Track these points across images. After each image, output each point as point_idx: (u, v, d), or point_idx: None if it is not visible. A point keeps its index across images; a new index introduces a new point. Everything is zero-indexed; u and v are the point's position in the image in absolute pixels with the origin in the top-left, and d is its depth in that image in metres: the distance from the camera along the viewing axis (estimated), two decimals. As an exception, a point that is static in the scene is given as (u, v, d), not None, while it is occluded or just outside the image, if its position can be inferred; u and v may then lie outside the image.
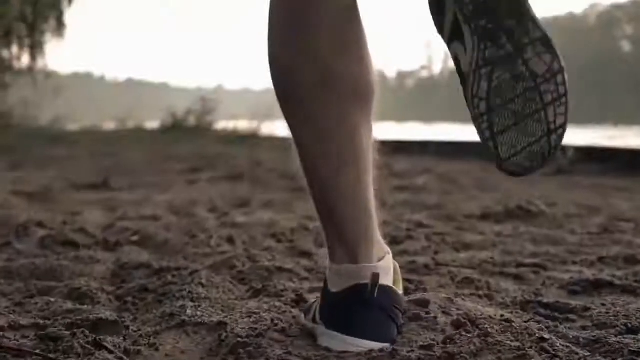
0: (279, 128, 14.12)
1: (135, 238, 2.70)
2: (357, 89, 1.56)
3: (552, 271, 2.20)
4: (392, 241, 2.64)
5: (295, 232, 2.84)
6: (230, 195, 5.07)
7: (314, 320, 1.60)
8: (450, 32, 1.50)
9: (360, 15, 1.56)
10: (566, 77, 1.44)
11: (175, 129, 16.06)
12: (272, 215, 3.68)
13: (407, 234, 2.68)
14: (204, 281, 1.89)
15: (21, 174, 6.68)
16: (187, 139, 13.73)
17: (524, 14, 1.45)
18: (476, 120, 1.47)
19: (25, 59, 20.35)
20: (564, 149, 8.64)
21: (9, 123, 15.38)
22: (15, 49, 20.43)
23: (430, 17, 1.53)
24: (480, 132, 1.46)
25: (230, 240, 2.64)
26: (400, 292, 1.60)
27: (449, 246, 2.56)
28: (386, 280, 1.54)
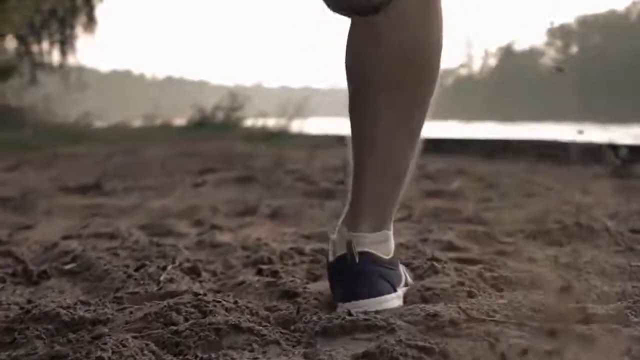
0: (309, 125, 13.58)
1: (69, 267, 2.04)
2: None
3: None
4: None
5: (285, 258, 2.16)
6: (236, 201, 4.42)
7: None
8: None
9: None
10: None
11: (202, 125, 15.53)
12: (270, 228, 3.02)
13: (431, 264, 1.98)
14: (109, 353, 1.22)
15: (15, 175, 6.09)
16: (213, 136, 13.15)
17: None
18: None
19: (56, 55, 20.02)
20: (616, 147, 7.94)
21: (34, 119, 14.85)
22: (45, 44, 20.11)
23: None
24: None
25: (193, 271, 1.97)
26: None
27: (488, 284, 1.86)
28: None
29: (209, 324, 1.40)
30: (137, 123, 18.71)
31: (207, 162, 7.39)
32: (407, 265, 2.05)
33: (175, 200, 4.50)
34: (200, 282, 1.92)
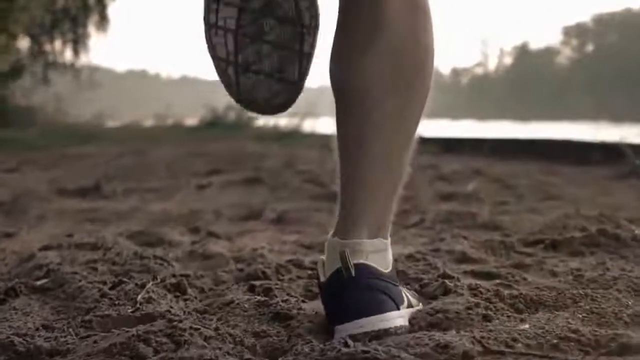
0: (321, 125, 13.40)
1: (42, 282, 1.84)
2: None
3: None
4: (420, 292, 1.76)
5: (281, 272, 1.95)
6: (240, 204, 4.22)
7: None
8: None
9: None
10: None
11: (214, 125, 15.35)
12: (270, 235, 2.82)
13: (442, 282, 1.77)
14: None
15: (15, 176, 5.90)
16: (224, 135, 12.96)
17: None
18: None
19: (68, 54, 19.90)
20: (634, 148, 7.71)
21: (44, 119, 14.70)
22: (58, 43, 19.98)
23: None
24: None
25: (177, 288, 1.77)
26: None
27: (506, 304, 1.65)
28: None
29: (180, 358, 1.20)
30: (148, 123, 18.57)
31: (215, 163, 7.19)
32: (416, 280, 1.84)
33: (177, 203, 4.31)
34: (185, 300, 1.71)
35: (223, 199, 4.47)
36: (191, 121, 18.10)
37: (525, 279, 1.90)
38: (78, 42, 19.87)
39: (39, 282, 1.83)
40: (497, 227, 3.07)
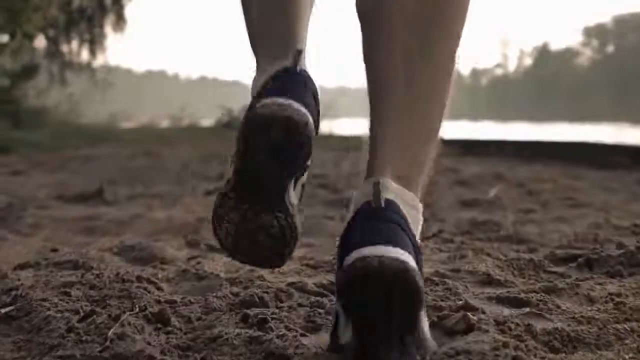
0: (339, 126, 13.16)
1: (7, 310, 1.60)
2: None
3: None
4: (438, 325, 1.52)
5: (281, 298, 1.71)
6: (249, 212, 3.98)
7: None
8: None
9: None
10: None
11: (229, 126, 15.14)
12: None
13: (464, 315, 1.53)
14: None
15: (19, 179, 5.70)
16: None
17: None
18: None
19: (85, 55, 19.80)
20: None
21: (58, 120, 14.53)
22: (75, 44, 19.88)
23: None
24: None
25: (159, 319, 1.53)
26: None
27: (539, 342, 1.41)
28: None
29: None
30: (164, 124, 18.41)
31: (227, 166, 6.97)
32: (434, 309, 1.61)
33: (182, 210, 4.08)
34: (167, 334, 1.48)
35: (231, 206, 4.24)
36: (207, 122, 17.92)
37: (558, 306, 1.66)
38: (94, 43, 19.76)
39: (3, 310, 1.59)
40: (523, 239, 2.82)
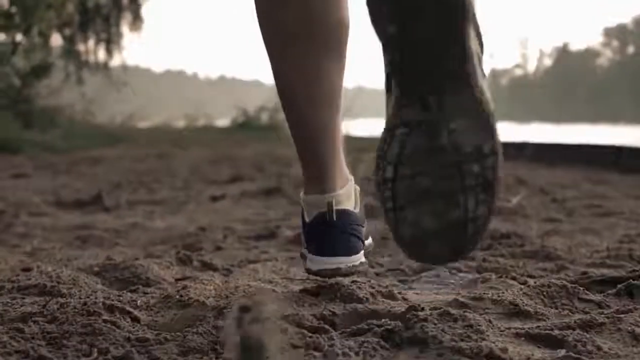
0: (355, 127, 12.91)
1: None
2: (334, 35, 1.67)
3: None
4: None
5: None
6: (254, 220, 3.75)
7: (304, 246, 1.84)
8: (386, 81, 1.36)
9: None
10: (499, 163, 1.24)
11: (245, 126, 14.94)
12: (278, 266, 2.33)
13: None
14: None
15: (18, 182, 5.48)
16: (255, 137, 12.54)
17: (464, 77, 1.25)
18: (379, 185, 1.35)
19: (101, 54, 19.67)
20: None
21: (72, 120, 14.34)
22: (91, 43, 19.75)
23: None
24: (382, 199, 1.34)
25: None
26: (357, 210, 1.82)
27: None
28: (347, 204, 1.79)
29: None
30: (180, 124, 18.24)
31: (239, 168, 6.74)
32: (452, 351, 1.35)
33: (185, 217, 3.85)
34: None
35: (237, 213, 4.01)
36: (223, 122, 17.74)
37: (599, 347, 1.40)
38: (111, 42, 19.62)
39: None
40: (550, 255, 2.56)
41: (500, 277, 1.98)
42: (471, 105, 1.26)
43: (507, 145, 6.38)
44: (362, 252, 1.78)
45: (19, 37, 13.59)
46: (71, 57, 18.21)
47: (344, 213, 1.76)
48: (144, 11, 20.11)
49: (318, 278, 1.99)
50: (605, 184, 5.75)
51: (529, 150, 8.68)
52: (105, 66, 19.30)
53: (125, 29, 19.81)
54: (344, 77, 1.75)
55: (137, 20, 19.93)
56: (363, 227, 1.82)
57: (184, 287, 1.81)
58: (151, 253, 2.77)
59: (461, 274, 2.17)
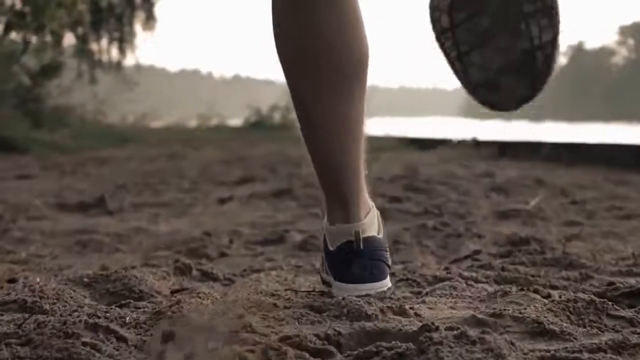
0: (371, 126, 12.81)
1: None
2: (355, 65, 1.60)
3: None
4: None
5: (270, 359, 1.32)
6: (262, 224, 3.61)
7: (326, 273, 1.85)
8: None
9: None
10: None
11: (257, 126, 14.80)
12: (283, 276, 2.18)
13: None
14: None
15: (23, 184, 5.35)
16: (268, 137, 12.40)
17: None
18: (439, 39, 1.33)
19: (114, 53, 19.56)
20: None
21: (83, 120, 14.23)
22: (104, 42, 19.65)
23: None
24: (445, 51, 1.32)
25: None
26: (381, 235, 1.81)
27: None
28: (372, 230, 1.78)
29: None
30: (192, 123, 18.12)
31: (249, 169, 6.60)
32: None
33: (190, 221, 3.71)
34: None
35: (245, 216, 3.86)
36: (236, 121, 17.61)
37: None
38: (124, 41, 19.52)
39: None
40: (573, 263, 2.40)
41: (522, 289, 1.82)
42: None
43: (523, 145, 6.22)
44: (389, 277, 1.81)
45: (30, 36, 13.51)
46: (84, 56, 18.11)
47: (370, 240, 1.76)
48: (158, 10, 19.84)
49: (324, 291, 1.86)
50: (627, 185, 5.57)
51: (546, 149, 8.49)
52: (118, 65, 19.18)
53: (138, 28, 19.69)
54: (365, 104, 1.73)
55: (150, 20, 19.81)
56: (387, 250, 1.83)
57: (178, 302, 1.66)
58: (151, 260, 2.63)
59: (479, 285, 2.01)
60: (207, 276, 2.20)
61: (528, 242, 2.91)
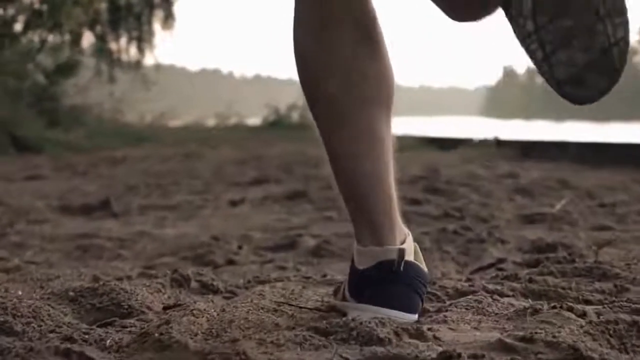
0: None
1: None
2: (379, 86, 1.61)
3: None
4: None
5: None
6: (275, 227, 3.44)
7: (343, 298, 1.70)
8: None
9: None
10: None
11: (276, 125, 14.63)
12: (288, 289, 1.99)
13: None
14: None
15: (30, 185, 5.20)
16: (285, 137, 12.22)
17: None
18: (524, 42, 1.41)
19: (133, 52, 19.46)
20: None
21: (100, 119, 14.10)
22: (123, 41, 19.55)
23: None
24: (531, 53, 1.41)
25: None
26: (424, 267, 1.67)
27: None
28: (409, 257, 1.63)
29: None
30: (211, 123, 17.98)
31: (265, 170, 6.42)
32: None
33: (199, 225, 3.54)
34: None
35: (257, 219, 3.69)
36: (255, 121, 17.45)
37: None
38: (142, 40, 19.42)
39: None
40: (607, 274, 2.20)
41: (554, 307, 1.62)
42: None
43: (548, 145, 5.97)
44: (418, 314, 1.64)
45: (47, 35, 13.40)
46: (103, 55, 18.02)
47: (411, 265, 1.63)
48: (178, 9, 19.82)
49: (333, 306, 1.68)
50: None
51: (571, 150, 8.27)
52: (137, 65, 19.08)
53: (157, 27, 19.59)
54: (391, 124, 1.68)
55: (169, 19, 19.69)
56: (427, 288, 1.70)
57: (167, 322, 1.48)
58: (151, 268, 2.46)
59: (504, 300, 1.81)
60: (207, 288, 2.01)
61: (555, 248, 2.73)
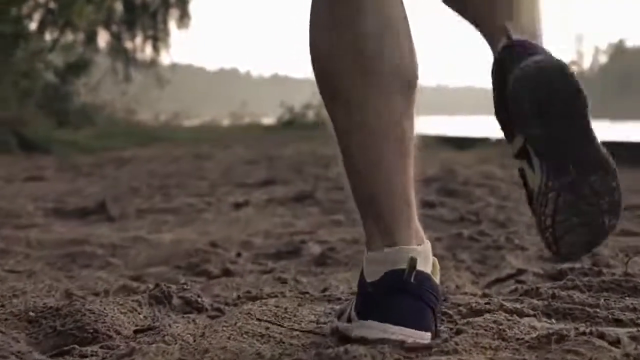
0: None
1: None
2: (401, 77, 1.53)
3: None
4: None
5: None
6: (278, 232, 3.24)
7: (348, 320, 1.52)
8: (517, 152, 1.52)
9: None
10: (620, 191, 1.51)
11: (291, 124, 14.47)
12: (284, 306, 1.77)
13: None
14: None
15: (28, 186, 5.02)
16: (299, 136, 12.04)
17: (591, 141, 1.48)
18: (542, 231, 1.50)
19: (148, 51, 19.39)
20: None
21: (112, 118, 13.96)
22: (139, 40, 19.48)
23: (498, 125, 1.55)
24: (544, 238, 1.50)
25: None
26: (437, 280, 1.53)
27: None
28: (424, 267, 1.49)
29: None
30: (226, 122, 17.88)
31: (274, 170, 6.23)
32: None
33: (197, 229, 3.35)
34: None
35: (260, 223, 3.48)
36: (270, 120, 17.33)
37: None
38: (158, 39, 19.36)
39: None
40: (638, 287, 1.98)
41: (583, 333, 1.40)
42: (601, 163, 1.47)
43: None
44: (431, 333, 1.46)
45: (59, 34, 13.26)
46: (118, 54, 17.97)
47: (423, 276, 1.47)
48: (194, 9, 19.76)
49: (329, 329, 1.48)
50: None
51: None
52: (152, 63, 19.00)
53: (172, 26, 19.53)
54: (413, 117, 1.56)
55: (184, 18, 19.64)
56: (440, 304, 1.54)
57: (131, 352, 1.26)
58: (137, 279, 2.26)
59: (524, 321, 1.60)
60: (190, 305, 1.79)
61: (587, 262, 2.50)
